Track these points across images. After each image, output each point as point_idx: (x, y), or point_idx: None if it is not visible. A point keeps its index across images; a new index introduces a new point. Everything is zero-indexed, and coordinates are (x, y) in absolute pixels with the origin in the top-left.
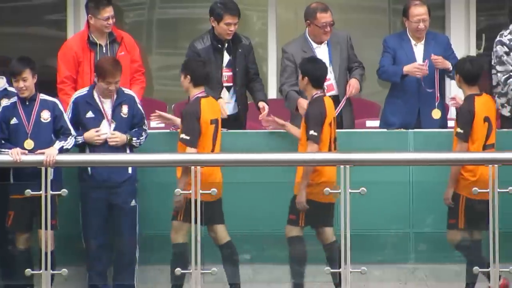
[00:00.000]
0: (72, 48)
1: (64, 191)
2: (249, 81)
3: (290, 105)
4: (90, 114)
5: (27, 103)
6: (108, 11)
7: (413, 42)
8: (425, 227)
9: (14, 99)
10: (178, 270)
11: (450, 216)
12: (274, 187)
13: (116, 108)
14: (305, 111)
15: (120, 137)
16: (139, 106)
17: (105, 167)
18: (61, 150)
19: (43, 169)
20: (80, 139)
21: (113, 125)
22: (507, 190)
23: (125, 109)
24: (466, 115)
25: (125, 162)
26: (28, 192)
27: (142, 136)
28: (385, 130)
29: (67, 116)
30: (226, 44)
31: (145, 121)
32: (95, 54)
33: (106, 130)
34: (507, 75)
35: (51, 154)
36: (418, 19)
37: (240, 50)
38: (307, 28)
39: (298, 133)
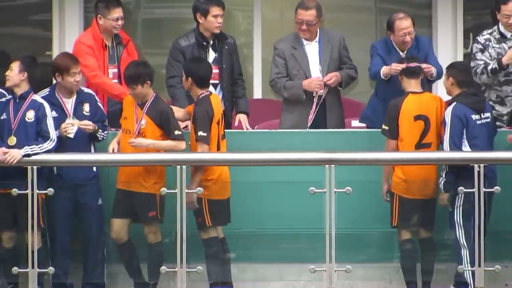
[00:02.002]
0: (90, 46)
1: (50, 190)
2: (233, 83)
3: (293, 93)
4: (53, 114)
5: (18, 101)
6: (118, 12)
7: (400, 52)
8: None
9: (10, 96)
10: (164, 269)
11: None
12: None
13: (77, 106)
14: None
15: (91, 124)
16: (99, 104)
17: (70, 166)
18: (27, 155)
19: (29, 168)
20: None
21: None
22: (493, 189)
23: (86, 107)
24: (391, 111)
25: (100, 162)
26: (15, 191)
27: (106, 131)
28: (369, 130)
29: (51, 120)
30: (211, 41)
31: (106, 118)
32: (107, 54)
33: (73, 129)
34: (476, 67)
35: (14, 155)
36: (404, 32)
37: (226, 47)
38: None
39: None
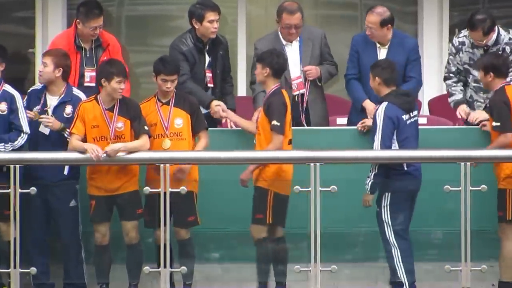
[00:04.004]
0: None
1: (33, 189)
2: (222, 79)
3: (256, 107)
4: (37, 108)
5: None
6: (97, 22)
7: (378, 45)
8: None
9: None
10: (147, 269)
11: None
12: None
13: (59, 105)
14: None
15: (54, 121)
16: None
17: (39, 165)
18: None
19: (11, 166)
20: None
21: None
22: (480, 188)
23: (68, 109)
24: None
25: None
26: None
27: None
28: (354, 127)
29: (23, 113)
30: (207, 46)
31: None
32: (80, 56)
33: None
34: (447, 74)
35: None
36: (368, 26)
37: (221, 53)
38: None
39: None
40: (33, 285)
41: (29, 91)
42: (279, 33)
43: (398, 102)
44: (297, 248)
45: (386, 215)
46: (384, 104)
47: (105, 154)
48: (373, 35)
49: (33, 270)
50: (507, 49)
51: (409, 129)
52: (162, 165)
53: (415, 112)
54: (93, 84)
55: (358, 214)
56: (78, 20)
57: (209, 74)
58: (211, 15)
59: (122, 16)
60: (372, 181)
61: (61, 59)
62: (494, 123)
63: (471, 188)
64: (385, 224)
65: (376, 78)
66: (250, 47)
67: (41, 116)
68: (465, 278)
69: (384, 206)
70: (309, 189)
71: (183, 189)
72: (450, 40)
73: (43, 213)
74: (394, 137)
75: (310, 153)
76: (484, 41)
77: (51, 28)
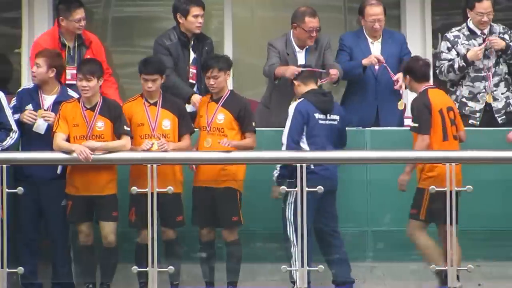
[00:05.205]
0: (44, 48)
1: (20, 189)
2: None
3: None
4: (29, 107)
5: None
6: (80, 13)
7: (369, 40)
8: (383, 225)
9: None
10: (135, 268)
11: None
12: None
13: (55, 104)
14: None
15: (52, 115)
16: None
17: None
18: None
19: None
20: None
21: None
22: (465, 188)
23: None
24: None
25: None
26: None
27: None
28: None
29: (9, 112)
30: (192, 42)
31: None
32: (64, 55)
33: (41, 122)
34: (441, 65)
35: None
36: (374, 19)
37: (206, 48)
38: (291, 31)
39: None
40: (21, 285)
41: (19, 90)
42: (291, 38)
43: (313, 100)
44: (283, 248)
45: (289, 213)
46: (300, 100)
47: (92, 155)
48: (381, 27)
49: (20, 269)
50: (507, 37)
51: (323, 129)
52: (149, 165)
53: (336, 116)
54: (75, 82)
55: (345, 214)
56: (61, 18)
57: (193, 70)
58: (195, 10)
59: (108, 17)
60: (278, 173)
61: (54, 60)
62: (412, 124)
63: (456, 188)
64: (287, 221)
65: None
66: (236, 49)
67: (43, 113)
68: (452, 278)
69: (288, 204)
70: (296, 189)
71: (169, 188)
72: (434, 45)
73: (33, 212)
74: (304, 133)
75: (297, 154)
76: (490, 16)
77: (37, 29)
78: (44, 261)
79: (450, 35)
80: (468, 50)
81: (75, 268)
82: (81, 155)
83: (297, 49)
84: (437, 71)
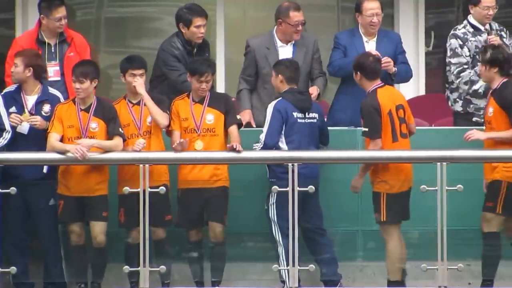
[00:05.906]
0: (21, 46)
1: (12, 189)
2: None
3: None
4: (13, 109)
5: None
6: (61, 12)
7: (364, 38)
8: (373, 225)
9: None
10: (127, 268)
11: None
12: None
13: (37, 104)
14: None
15: (40, 120)
16: None
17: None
18: None
19: None
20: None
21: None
22: (456, 188)
23: (46, 107)
24: None
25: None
26: None
27: None
28: (333, 128)
29: (4, 111)
30: (195, 49)
31: None
32: (43, 53)
33: (25, 125)
34: (461, 68)
35: None
36: (372, 13)
37: (207, 54)
38: (275, 26)
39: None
40: (12, 285)
41: (2, 93)
42: (274, 33)
43: (291, 99)
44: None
45: (272, 213)
46: (278, 99)
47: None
48: (379, 21)
49: (13, 269)
50: (503, 34)
51: (302, 128)
52: (141, 165)
53: (314, 114)
54: (58, 78)
55: (335, 213)
56: (42, 16)
57: None
58: (198, 21)
59: (101, 18)
60: (262, 146)
61: (32, 59)
62: (363, 128)
63: (447, 188)
64: (272, 222)
65: (279, 75)
66: (228, 49)
67: (29, 118)
68: (442, 277)
69: (270, 204)
70: (288, 189)
71: (162, 188)
72: (427, 43)
73: (22, 212)
74: (283, 132)
75: (289, 154)
76: (495, 10)
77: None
78: (35, 261)
79: (459, 32)
80: (476, 47)
81: (66, 268)
82: (77, 152)
83: (279, 43)
84: (448, 69)
